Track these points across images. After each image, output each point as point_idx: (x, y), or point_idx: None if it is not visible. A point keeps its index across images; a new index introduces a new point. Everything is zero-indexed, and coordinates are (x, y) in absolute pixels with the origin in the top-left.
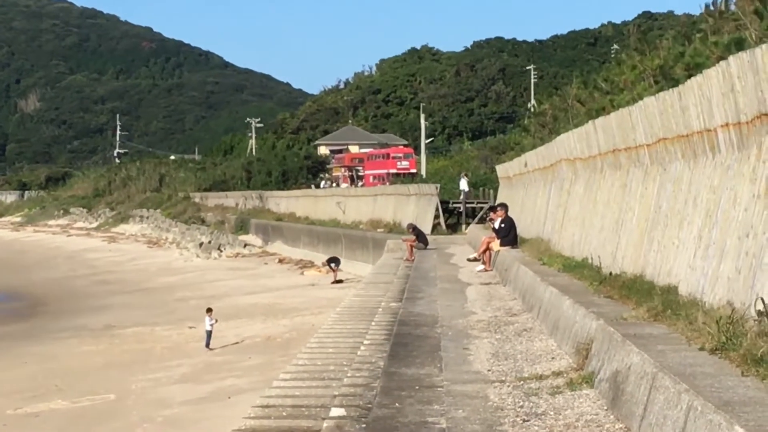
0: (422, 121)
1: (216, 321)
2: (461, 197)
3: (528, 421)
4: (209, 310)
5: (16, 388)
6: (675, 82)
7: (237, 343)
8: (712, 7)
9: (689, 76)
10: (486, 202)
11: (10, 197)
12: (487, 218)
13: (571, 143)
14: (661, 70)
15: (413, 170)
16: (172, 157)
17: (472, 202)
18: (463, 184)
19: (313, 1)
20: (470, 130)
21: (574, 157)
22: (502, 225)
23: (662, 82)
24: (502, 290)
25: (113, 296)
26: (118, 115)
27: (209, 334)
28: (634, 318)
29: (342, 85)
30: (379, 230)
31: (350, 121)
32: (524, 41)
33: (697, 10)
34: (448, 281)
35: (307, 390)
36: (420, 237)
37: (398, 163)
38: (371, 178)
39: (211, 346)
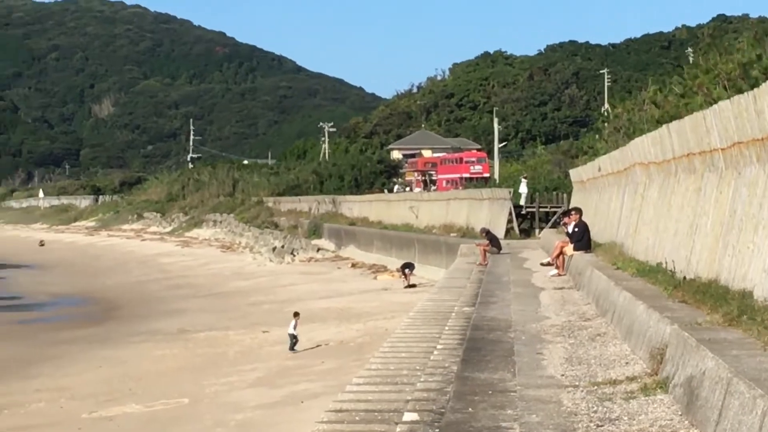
0: (495, 125)
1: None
2: (521, 201)
3: (602, 426)
4: (296, 314)
5: (91, 391)
6: (750, 86)
7: (314, 347)
8: None
9: (765, 79)
10: (559, 207)
11: (84, 202)
12: (561, 223)
13: (645, 147)
14: (736, 74)
15: (486, 174)
16: (245, 162)
17: (533, 206)
18: (523, 187)
19: (387, 5)
20: (543, 134)
21: (648, 161)
22: (576, 229)
23: (738, 86)
24: (576, 295)
25: (186, 300)
26: (191, 120)
27: (292, 337)
28: (709, 323)
29: (415, 89)
30: (452, 234)
31: (423, 126)
32: (598, 45)
33: None
34: (522, 286)
35: (380, 394)
36: (493, 241)
37: (471, 167)
38: (444, 183)
39: (295, 349)
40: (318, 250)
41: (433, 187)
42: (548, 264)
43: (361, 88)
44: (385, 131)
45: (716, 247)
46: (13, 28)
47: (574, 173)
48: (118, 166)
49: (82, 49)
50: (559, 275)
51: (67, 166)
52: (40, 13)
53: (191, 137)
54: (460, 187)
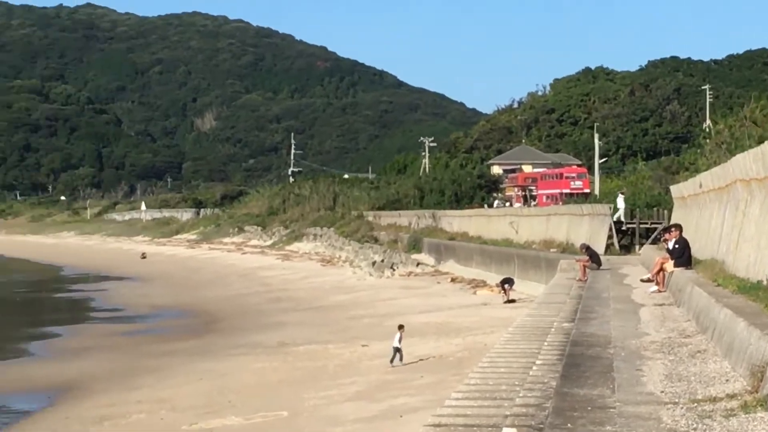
0: (596, 140)
1: (400, 342)
2: (617, 216)
3: None
4: (401, 327)
5: (191, 403)
6: None
7: (414, 362)
8: None
9: None
10: (660, 223)
11: (186, 215)
12: (661, 239)
13: (746, 163)
14: None
15: (587, 190)
16: (346, 176)
17: (633, 222)
18: (620, 203)
19: (488, 21)
20: (644, 150)
21: (750, 178)
22: (676, 246)
23: None
24: (676, 311)
25: (286, 314)
26: (292, 134)
27: (396, 350)
28: None
29: (516, 105)
30: (551, 250)
31: (523, 141)
32: (699, 61)
33: None
34: (621, 302)
35: (479, 409)
36: (593, 257)
37: (571, 182)
38: (544, 198)
39: (394, 364)
40: (418, 264)
41: (533, 203)
42: (648, 280)
43: (462, 104)
44: (486, 146)
45: None
46: (117, 42)
47: (674, 189)
48: (220, 180)
49: (185, 63)
50: (659, 292)
51: (169, 180)
52: (143, 27)
53: (292, 151)
54: (560, 203)
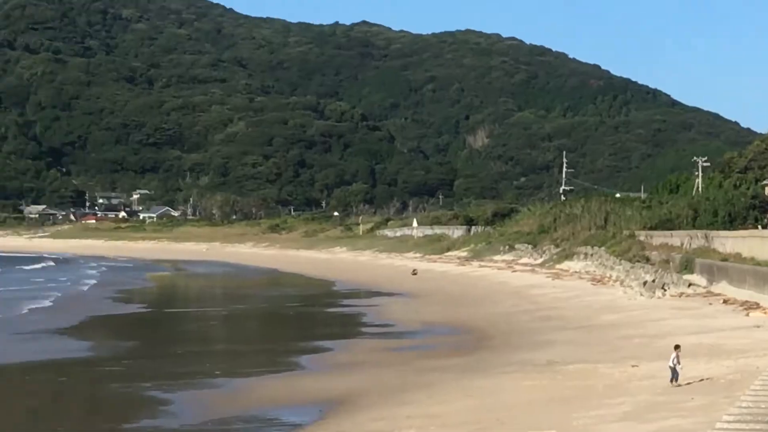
0: None
1: (678, 361)
2: None
3: None
4: (677, 347)
5: (461, 420)
6: None
7: (687, 384)
8: None
9: None
10: None
11: (457, 232)
12: None
13: None
14: None
15: None
16: (618, 195)
17: None
18: None
19: (765, 38)
20: None
21: None
22: None
23: None
24: None
25: (556, 332)
26: (564, 152)
27: (672, 370)
28: None
29: None
30: None
31: None
32: None
33: None
34: None
35: None
36: None
37: None
38: None
39: (674, 383)
40: (689, 285)
41: None
42: None
43: (736, 122)
44: (760, 166)
45: None
46: (392, 59)
47: None
48: (491, 197)
49: (458, 80)
50: None
51: (440, 197)
52: (417, 44)
53: (564, 169)
54: None
